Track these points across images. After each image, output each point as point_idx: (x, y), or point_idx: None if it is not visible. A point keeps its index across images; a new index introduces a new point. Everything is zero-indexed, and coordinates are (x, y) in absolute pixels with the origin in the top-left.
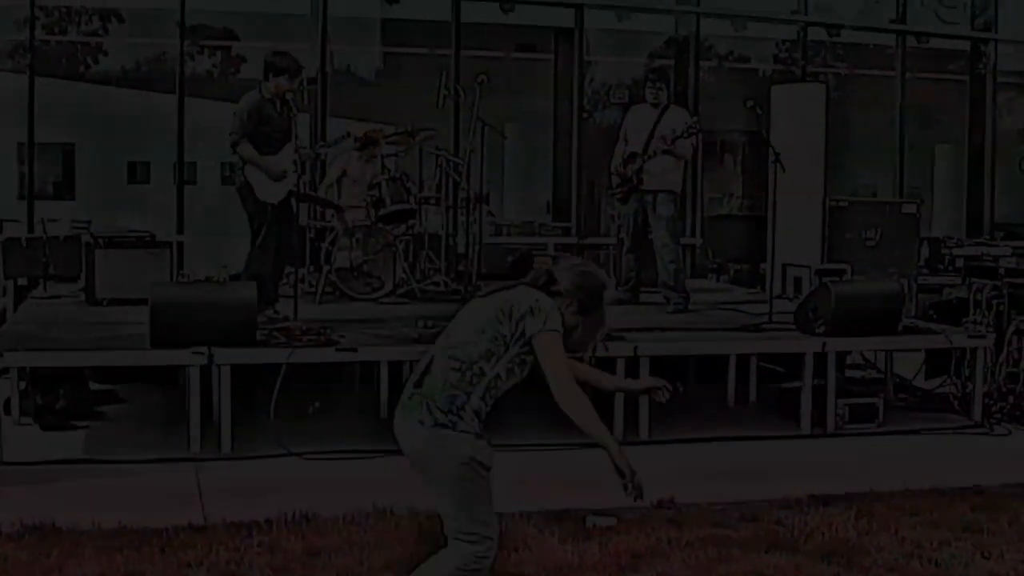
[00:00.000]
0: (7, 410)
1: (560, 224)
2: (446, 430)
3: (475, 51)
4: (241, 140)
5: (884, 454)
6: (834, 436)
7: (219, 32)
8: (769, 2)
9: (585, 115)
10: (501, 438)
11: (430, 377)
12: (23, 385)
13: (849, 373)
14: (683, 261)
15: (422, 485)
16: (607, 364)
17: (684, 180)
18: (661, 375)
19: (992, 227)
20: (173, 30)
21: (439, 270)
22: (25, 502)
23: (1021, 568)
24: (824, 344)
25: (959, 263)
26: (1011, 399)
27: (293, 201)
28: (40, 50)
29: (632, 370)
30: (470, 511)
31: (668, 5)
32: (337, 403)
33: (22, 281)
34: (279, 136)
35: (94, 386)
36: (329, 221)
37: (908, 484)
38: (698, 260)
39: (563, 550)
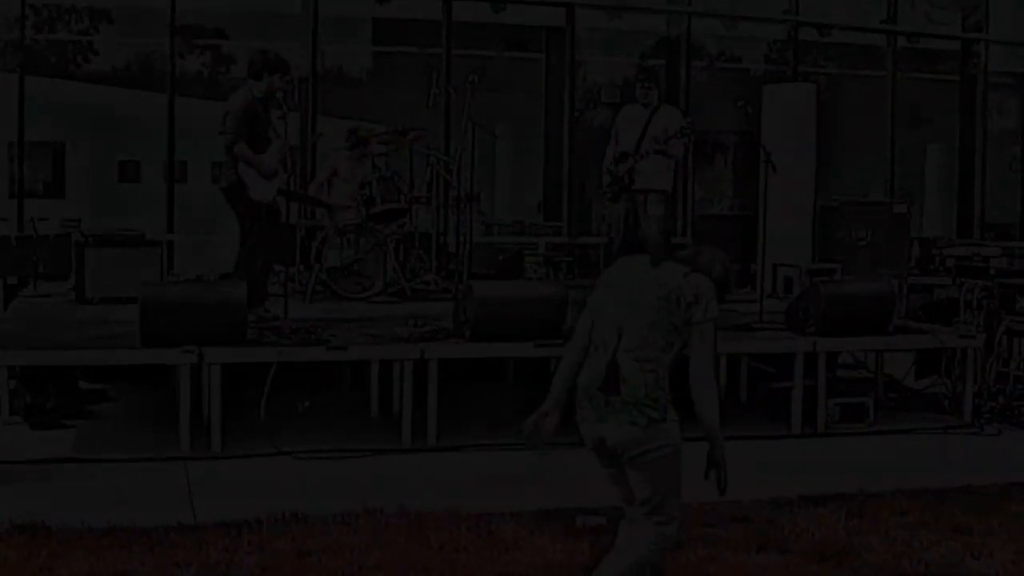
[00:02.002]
0: None
1: (551, 224)
2: (660, 423)
3: (466, 50)
4: (238, 139)
5: (874, 454)
6: (825, 436)
7: (209, 31)
8: (760, 2)
9: (576, 115)
10: (492, 438)
11: (628, 385)
12: (12, 384)
13: (840, 373)
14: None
15: (414, 485)
16: None
17: (675, 180)
18: None
19: (983, 227)
20: (163, 29)
21: (430, 269)
22: (14, 501)
23: (1011, 568)
24: (815, 344)
25: (950, 263)
26: (1001, 399)
27: (281, 199)
28: (30, 49)
29: None
30: (674, 492)
31: (659, 5)
32: (328, 402)
33: (12, 280)
34: (267, 135)
35: (84, 385)
36: (320, 220)
37: (898, 484)
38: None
39: (553, 549)
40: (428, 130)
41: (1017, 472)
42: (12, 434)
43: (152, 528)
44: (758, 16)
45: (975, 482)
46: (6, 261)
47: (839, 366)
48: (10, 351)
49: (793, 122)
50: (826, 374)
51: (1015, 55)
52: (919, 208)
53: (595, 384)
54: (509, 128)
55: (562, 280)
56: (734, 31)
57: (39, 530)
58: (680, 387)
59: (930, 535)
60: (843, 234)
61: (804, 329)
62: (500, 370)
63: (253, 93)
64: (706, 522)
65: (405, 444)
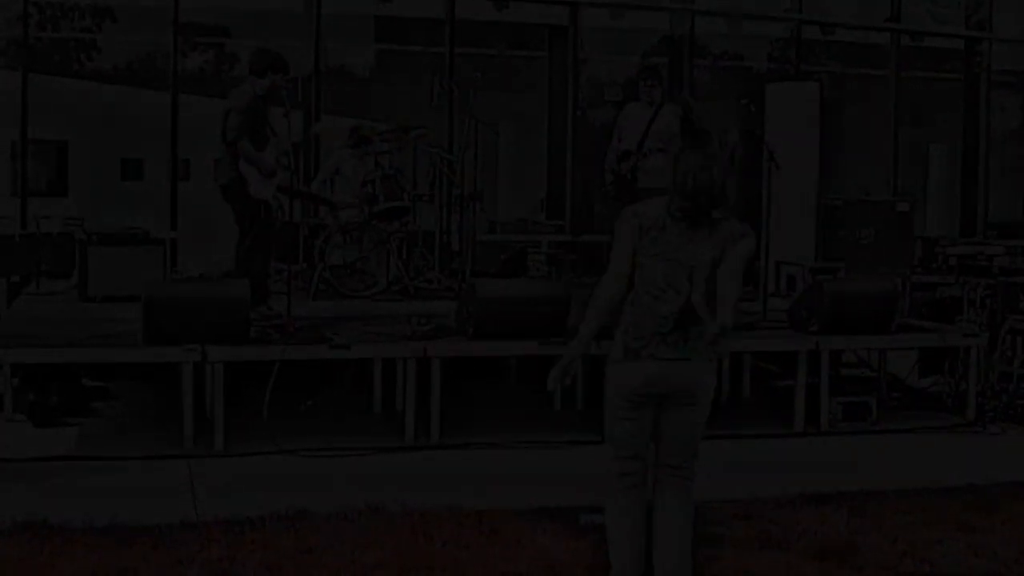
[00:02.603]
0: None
1: (554, 222)
2: (713, 362)
3: (469, 48)
4: (242, 137)
5: (877, 453)
6: (827, 435)
7: (212, 29)
8: (763, 0)
9: (579, 113)
10: (495, 436)
11: (702, 324)
12: (15, 382)
13: (843, 372)
14: None
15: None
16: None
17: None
18: None
19: (986, 226)
20: (166, 27)
21: (432, 267)
22: (17, 499)
23: (1014, 567)
24: (817, 342)
25: (953, 262)
26: (1004, 398)
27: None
28: (33, 47)
29: None
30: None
31: (662, 3)
32: (330, 400)
33: (15, 278)
34: (267, 133)
35: (87, 383)
36: (323, 218)
37: (901, 483)
38: None
39: (556, 547)
40: (431, 128)
41: (1020, 471)
42: (15, 432)
43: (155, 526)
44: (761, 14)
45: (978, 481)
46: (9, 259)
47: (842, 365)
48: (13, 349)
49: (796, 121)
50: (829, 373)
51: (1019, 53)
52: (922, 206)
53: (667, 323)
54: (512, 126)
55: (565, 278)
56: (737, 29)
57: (42, 527)
58: None
59: (933, 534)
60: (846, 233)
61: (807, 328)
62: (503, 369)
63: (255, 90)
64: (708, 520)
65: (408, 442)
